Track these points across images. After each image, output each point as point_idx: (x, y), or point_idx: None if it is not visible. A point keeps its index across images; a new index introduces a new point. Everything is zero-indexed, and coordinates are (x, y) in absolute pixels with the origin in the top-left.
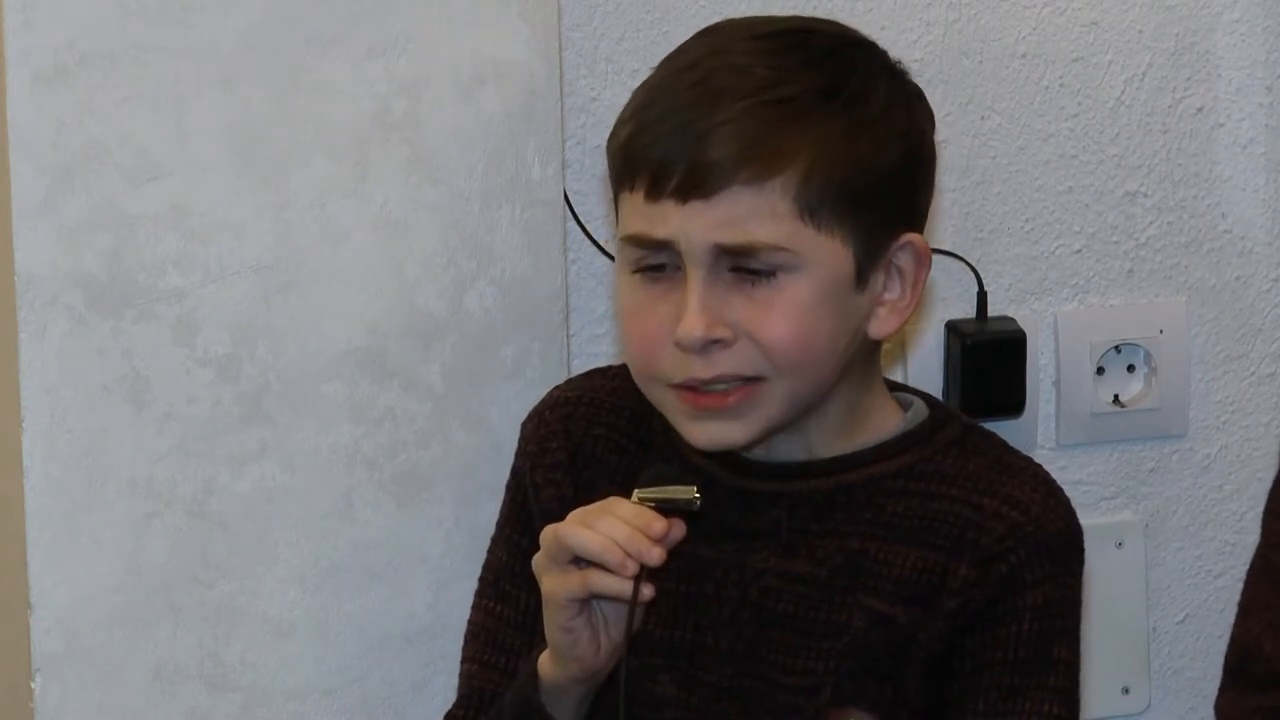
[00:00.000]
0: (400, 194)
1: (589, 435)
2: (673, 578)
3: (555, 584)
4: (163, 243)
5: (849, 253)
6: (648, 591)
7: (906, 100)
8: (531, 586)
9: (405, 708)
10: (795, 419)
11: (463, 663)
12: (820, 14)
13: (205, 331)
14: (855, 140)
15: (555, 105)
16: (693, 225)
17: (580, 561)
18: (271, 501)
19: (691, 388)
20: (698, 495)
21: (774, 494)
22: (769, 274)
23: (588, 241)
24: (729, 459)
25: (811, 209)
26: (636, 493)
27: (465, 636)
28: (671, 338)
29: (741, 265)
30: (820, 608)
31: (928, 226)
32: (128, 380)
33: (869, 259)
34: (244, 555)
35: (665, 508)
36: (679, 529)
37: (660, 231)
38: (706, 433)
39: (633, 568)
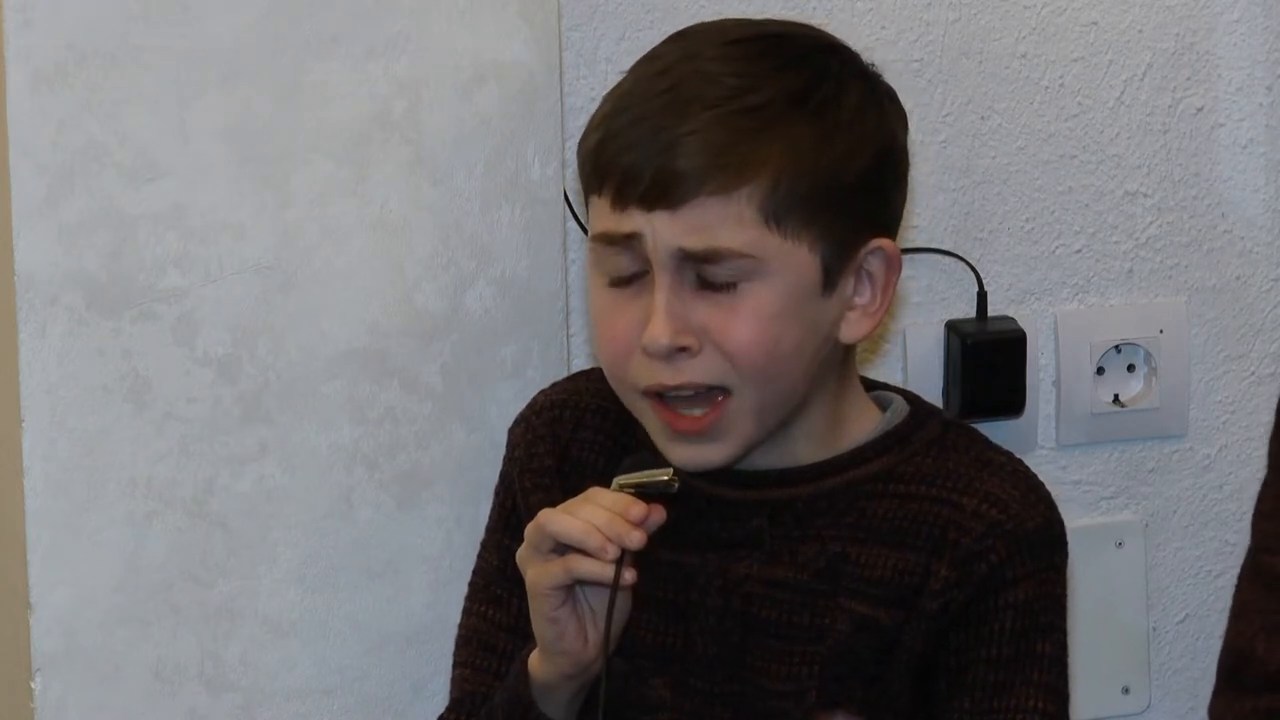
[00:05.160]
0: (400, 194)
1: (575, 439)
2: (660, 585)
3: (538, 573)
4: (163, 243)
5: (816, 259)
6: (629, 576)
7: (878, 103)
8: (522, 590)
9: (405, 708)
10: (774, 430)
11: (454, 667)
12: (819, 14)
13: (205, 331)
14: (824, 147)
15: (555, 105)
16: (659, 229)
17: (563, 550)
18: (271, 501)
19: (661, 396)
20: (675, 478)
21: (755, 502)
22: (734, 284)
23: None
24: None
25: (778, 216)
26: (616, 480)
27: (456, 641)
28: (639, 342)
29: (707, 274)
30: (803, 612)
31: (927, 227)
32: (128, 380)
33: (837, 264)
34: (243, 555)
35: (645, 492)
36: (659, 513)
37: (626, 226)
38: (687, 454)
39: (613, 551)
